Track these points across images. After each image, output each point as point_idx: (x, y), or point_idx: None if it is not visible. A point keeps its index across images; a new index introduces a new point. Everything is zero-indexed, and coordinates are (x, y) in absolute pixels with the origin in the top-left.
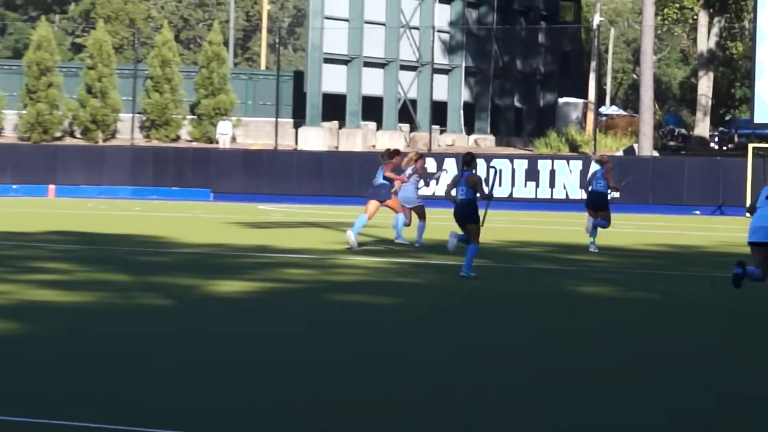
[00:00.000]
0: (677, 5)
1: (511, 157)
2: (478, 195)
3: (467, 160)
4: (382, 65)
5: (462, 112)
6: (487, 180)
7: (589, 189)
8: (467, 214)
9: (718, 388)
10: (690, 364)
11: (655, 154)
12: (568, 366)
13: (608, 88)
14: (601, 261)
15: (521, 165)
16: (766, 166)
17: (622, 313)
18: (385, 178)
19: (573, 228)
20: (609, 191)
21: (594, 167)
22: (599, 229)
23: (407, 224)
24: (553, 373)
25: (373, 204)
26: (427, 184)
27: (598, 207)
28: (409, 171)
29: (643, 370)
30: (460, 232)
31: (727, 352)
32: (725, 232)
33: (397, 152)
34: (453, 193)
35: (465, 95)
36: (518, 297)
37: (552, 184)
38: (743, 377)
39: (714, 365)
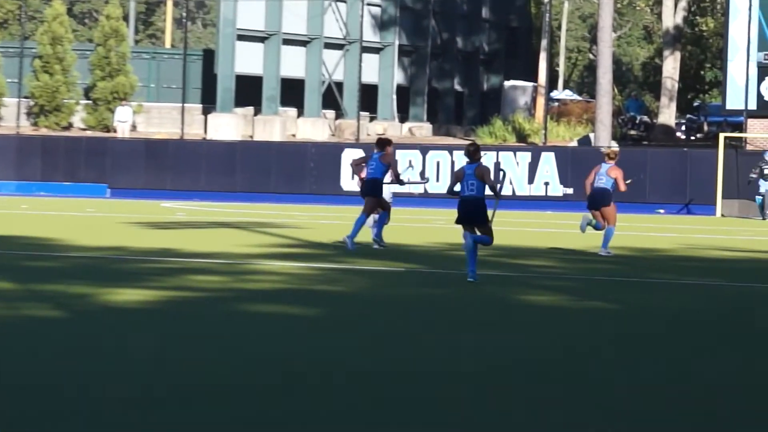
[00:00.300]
0: None
1: (450, 148)
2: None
3: (472, 151)
4: (303, 43)
5: (395, 96)
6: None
7: (594, 185)
8: (475, 213)
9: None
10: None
11: (614, 144)
12: (482, 382)
13: (561, 69)
14: (552, 266)
15: (462, 157)
16: (739, 159)
17: (570, 324)
18: (383, 171)
19: (521, 229)
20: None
21: (606, 165)
22: (589, 229)
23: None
24: (468, 391)
25: (370, 201)
26: (400, 183)
27: (599, 206)
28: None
29: (576, 396)
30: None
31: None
32: (692, 233)
33: (388, 142)
34: (457, 188)
35: (398, 77)
36: (455, 306)
37: (496, 179)
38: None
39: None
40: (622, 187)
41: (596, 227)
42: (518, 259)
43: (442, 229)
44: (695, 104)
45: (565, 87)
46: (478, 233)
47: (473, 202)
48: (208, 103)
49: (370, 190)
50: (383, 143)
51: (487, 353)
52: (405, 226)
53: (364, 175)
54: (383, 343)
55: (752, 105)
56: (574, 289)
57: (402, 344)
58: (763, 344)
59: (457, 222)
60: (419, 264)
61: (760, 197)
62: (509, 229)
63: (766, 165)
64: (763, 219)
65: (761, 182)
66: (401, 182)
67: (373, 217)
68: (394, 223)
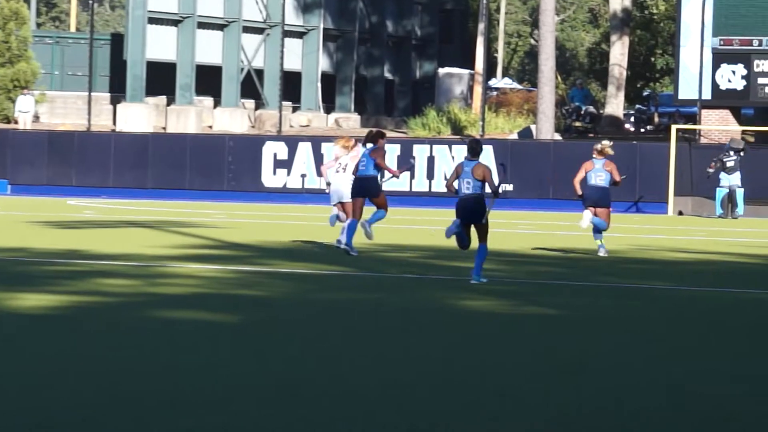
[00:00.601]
0: None
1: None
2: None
3: (473, 147)
4: (220, 27)
5: (320, 85)
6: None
7: (589, 183)
8: (474, 212)
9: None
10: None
11: (557, 137)
12: (411, 393)
13: (500, 56)
14: (490, 269)
15: (393, 151)
16: (692, 153)
17: (508, 331)
18: (376, 167)
19: None
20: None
21: (599, 160)
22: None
23: (342, 220)
24: (358, 408)
25: (357, 202)
26: (395, 177)
27: (598, 205)
28: (346, 158)
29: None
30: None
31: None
32: (642, 233)
33: (381, 135)
34: (455, 185)
35: (323, 64)
36: (384, 311)
37: (430, 175)
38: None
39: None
40: (618, 178)
41: (601, 228)
42: (455, 261)
43: (375, 228)
44: (645, 94)
45: (504, 75)
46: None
47: (472, 200)
48: (117, 92)
49: (362, 190)
50: (376, 136)
51: (400, 363)
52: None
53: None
54: (305, 352)
55: (706, 95)
56: (513, 294)
57: (325, 353)
58: (702, 356)
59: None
60: (349, 267)
61: (722, 191)
62: (440, 228)
63: (728, 158)
64: (732, 218)
65: (723, 176)
66: (396, 176)
67: (342, 214)
68: (315, 222)
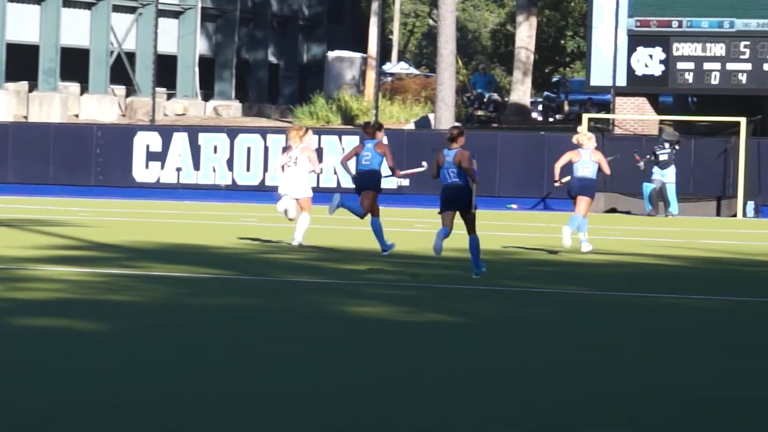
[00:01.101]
0: None
1: (263, 131)
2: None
3: (450, 134)
4: (88, 5)
5: (197, 69)
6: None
7: (576, 175)
8: (458, 198)
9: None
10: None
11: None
12: (294, 402)
13: (395, 38)
14: (385, 272)
15: (277, 142)
16: (606, 144)
17: (402, 340)
18: (380, 163)
19: (347, 227)
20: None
21: (585, 150)
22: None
23: (290, 217)
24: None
25: (369, 195)
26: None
27: (582, 193)
28: (296, 152)
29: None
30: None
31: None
32: (550, 233)
33: (379, 126)
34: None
35: (201, 47)
36: (264, 319)
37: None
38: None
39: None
40: (608, 170)
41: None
42: (345, 264)
43: (254, 227)
44: (554, 80)
45: (400, 59)
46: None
47: (456, 187)
48: None
49: (370, 183)
50: (374, 128)
51: (283, 374)
52: (210, 224)
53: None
54: (178, 363)
55: (621, 81)
56: (409, 299)
57: (202, 362)
58: (603, 363)
59: (441, 210)
60: (228, 269)
61: (650, 185)
62: (335, 227)
63: (662, 150)
64: (664, 216)
65: (656, 170)
66: (395, 172)
67: (293, 209)
68: (193, 220)
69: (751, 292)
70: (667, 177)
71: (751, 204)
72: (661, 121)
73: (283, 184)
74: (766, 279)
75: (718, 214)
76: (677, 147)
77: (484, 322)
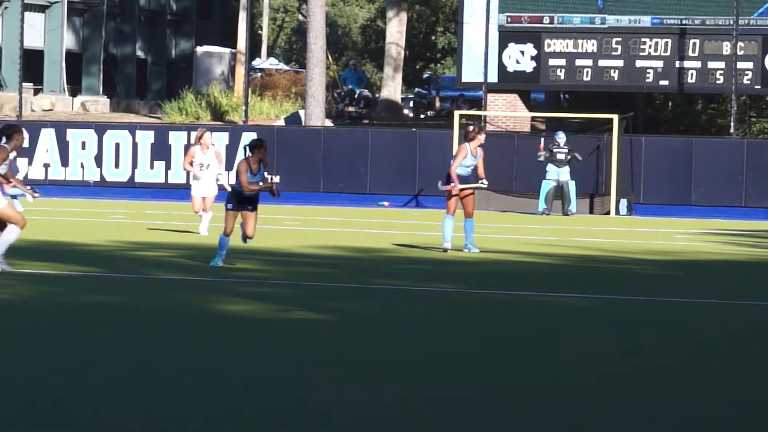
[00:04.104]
0: None
1: (131, 128)
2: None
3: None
4: None
5: (64, 64)
6: None
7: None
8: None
9: None
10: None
11: (329, 123)
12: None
13: (264, 33)
14: (254, 270)
15: (146, 138)
16: None
17: (276, 338)
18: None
19: (221, 225)
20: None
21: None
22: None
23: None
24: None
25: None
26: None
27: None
28: (202, 157)
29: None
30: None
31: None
32: (423, 230)
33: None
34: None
35: (68, 42)
36: (133, 318)
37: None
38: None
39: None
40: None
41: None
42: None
43: (122, 225)
44: (425, 76)
45: (269, 54)
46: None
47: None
48: None
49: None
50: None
51: (145, 370)
52: (79, 221)
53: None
54: (47, 363)
55: (492, 77)
56: (280, 297)
57: (73, 360)
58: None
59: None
60: (98, 267)
61: (548, 183)
62: (210, 225)
63: (558, 148)
64: (564, 214)
65: (551, 168)
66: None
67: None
68: (61, 217)
69: (623, 290)
70: (562, 175)
71: (624, 202)
72: (533, 118)
73: (200, 186)
74: (638, 277)
75: (591, 211)
76: (576, 162)
77: (352, 320)
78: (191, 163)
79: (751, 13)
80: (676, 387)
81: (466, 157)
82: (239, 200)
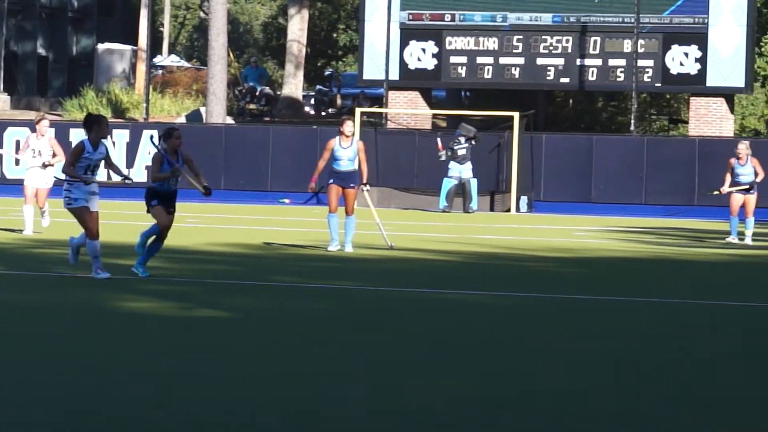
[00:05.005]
0: None
1: (33, 125)
2: None
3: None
4: None
5: None
6: None
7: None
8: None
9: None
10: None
11: (230, 120)
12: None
13: (166, 30)
14: (158, 267)
15: (81, 134)
16: (378, 139)
17: (176, 336)
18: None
19: (120, 222)
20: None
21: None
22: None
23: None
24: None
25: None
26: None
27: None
28: (36, 142)
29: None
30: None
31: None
32: (321, 227)
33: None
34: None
35: None
36: (28, 314)
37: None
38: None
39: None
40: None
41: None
42: (118, 259)
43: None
44: (327, 73)
45: (170, 52)
46: None
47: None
48: None
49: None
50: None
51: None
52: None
53: None
54: None
55: (394, 75)
56: (182, 294)
57: None
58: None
59: None
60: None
61: (450, 181)
62: (105, 222)
63: (459, 145)
64: (465, 212)
65: (453, 165)
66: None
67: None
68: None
69: (523, 287)
70: (464, 173)
71: (524, 199)
72: (434, 115)
73: (32, 176)
74: (538, 274)
75: (492, 209)
76: (474, 142)
77: (256, 316)
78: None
79: (663, 12)
80: (571, 385)
81: (338, 150)
82: (162, 197)
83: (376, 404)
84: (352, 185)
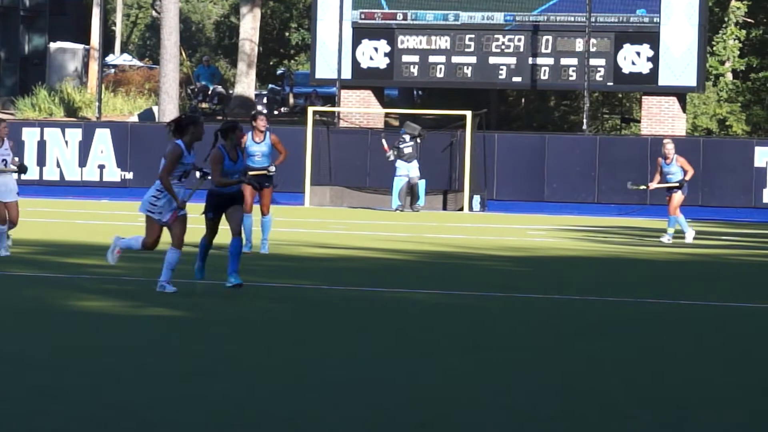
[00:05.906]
0: None
1: None
2: None
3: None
4: None
5: None
6: None
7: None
8: None
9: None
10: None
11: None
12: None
13: (118, 29)
14: (108, 268)
15: (34, 134)
16: (331, 138)
17: (128, 335)
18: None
19: (71, 221)
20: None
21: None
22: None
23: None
24: None
25: None
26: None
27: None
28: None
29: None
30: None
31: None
32: (279, 226)
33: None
34: None
35: None
36: None
37: (41, 161)
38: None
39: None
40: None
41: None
42: (69, 258)
43: None
44: (279, 72)
45: (123, 50)
46: None
47: None
48: None
49: None
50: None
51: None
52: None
53: None
54: None
55: (346, 74)
56: (135, 294)
57: None
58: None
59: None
60: None
61: (400, 180)
62: (57, 221)
63: (404, 144)
64: (413, 210)
65: (400, 164)
66: None
67: None
68: None
69: (475, 285)
70: (412, 171)
71: (477, 198)
72: (387, 114)
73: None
74: (490, 273)
75: (445, 208)
76: (419, 140)
77: (212, 316)
78: None
79: (615, 11)
80: (517, 383)
81: (251, 146)
82: (218, 204)
83: (335, 400)
84: (267, 184)
